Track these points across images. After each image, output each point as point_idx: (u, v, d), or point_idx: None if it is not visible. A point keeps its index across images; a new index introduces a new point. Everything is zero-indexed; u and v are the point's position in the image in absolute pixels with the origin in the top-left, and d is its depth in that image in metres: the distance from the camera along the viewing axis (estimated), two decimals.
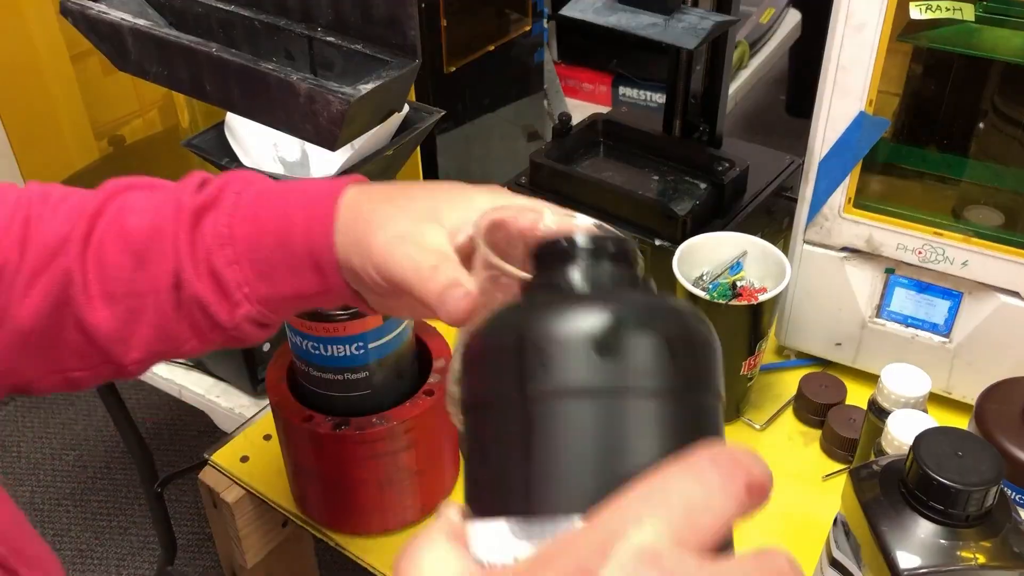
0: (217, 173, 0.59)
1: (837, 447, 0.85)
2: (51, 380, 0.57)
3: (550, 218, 0.44)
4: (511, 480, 0.30)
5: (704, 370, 0.32)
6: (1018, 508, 0.56)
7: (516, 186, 1.02)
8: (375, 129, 0.64)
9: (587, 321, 0.30)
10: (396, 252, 0.46)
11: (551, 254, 0.35)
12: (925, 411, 0.73)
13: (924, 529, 0.54)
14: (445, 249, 0.46)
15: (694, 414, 0.31)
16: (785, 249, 0.88)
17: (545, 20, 1.42)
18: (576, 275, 0.34)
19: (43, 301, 0.54)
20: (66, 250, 0.54)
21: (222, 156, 0.72)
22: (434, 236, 0.47)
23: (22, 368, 0.56)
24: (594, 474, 0.29)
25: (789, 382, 0.92)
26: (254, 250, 0.53)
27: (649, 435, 0.30)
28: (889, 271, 0.86)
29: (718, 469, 0.28)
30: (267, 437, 0.89)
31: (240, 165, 0.71)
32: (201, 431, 1.71)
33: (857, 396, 0.87)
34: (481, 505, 0.31)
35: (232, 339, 0.55)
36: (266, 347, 0.98)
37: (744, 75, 1.66)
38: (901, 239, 0.82)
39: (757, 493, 0.28)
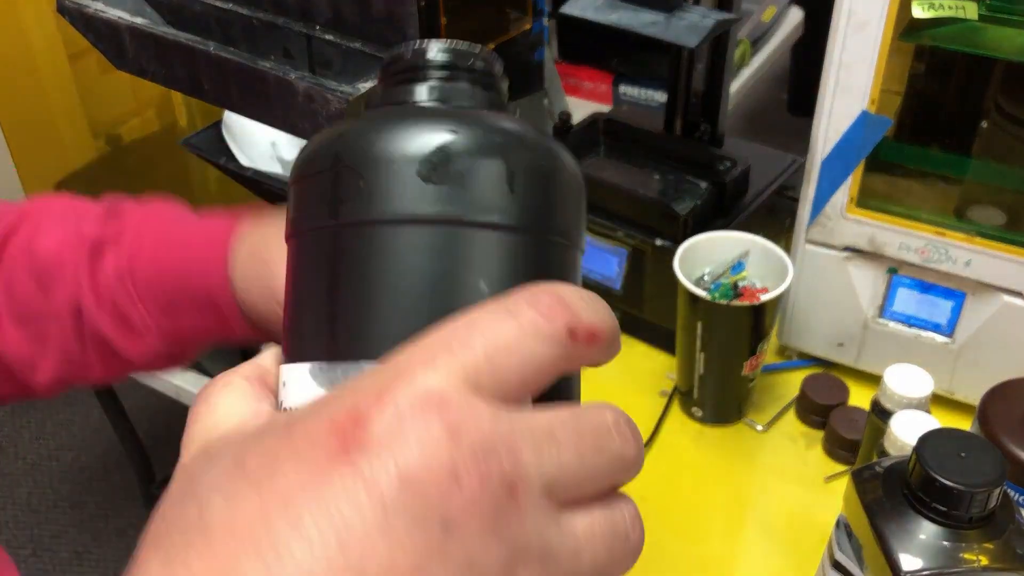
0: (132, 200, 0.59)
1: (839, 448, 0.84)
2: None
3: None
4: (317, 320, 0.27)
5: (551, 207, 0.28)
6: (1021, 510, 0.56)
7: None
8: None
9: (415, 140, 0.26)
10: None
11: (396, 66, 0.30)
12: (928, 412, 0.72)
13: (927, 531, 0.53)
14: None
15: (532, 255, 0.27)
16: (787, 249, 0.88)
17: (546, 18, 1.41)
18: (421, 91, 0.29)
19: None
20: None
21: (219, 155, 0.71)
22: None
23: None
24: (404, 315, 0.25)
25: (791, 383, 0.92)
26: (155, 288, 0.53)
27: (472, 273, 0.26)
28: (892, 271, 0.85)
29: (535, 308, 0.24)
30: None
31: (238, 164, 0.70)
32: None
33: (859, 397, 0.86)
34: (290, 347, 0.28)
35: (136, 369, 0.55)
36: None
37: (746, 74, 1.65)
38: (904, 239, 0.82)
39: (586, 339, 0.25)
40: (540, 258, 0.28)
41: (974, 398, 0.79)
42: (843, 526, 0.60)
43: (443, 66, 0.29)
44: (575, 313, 0.25)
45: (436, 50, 0.29)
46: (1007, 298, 0.80)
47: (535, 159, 0.28)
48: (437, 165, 0.26)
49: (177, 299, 0.53)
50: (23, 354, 0.54)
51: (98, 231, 0.54)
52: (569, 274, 0.29)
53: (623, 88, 1.61)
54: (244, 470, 0.23)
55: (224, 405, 0.28)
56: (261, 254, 0.49)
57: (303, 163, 0.28)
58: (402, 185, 0.25)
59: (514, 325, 0.23)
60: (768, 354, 0.90)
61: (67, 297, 0.53)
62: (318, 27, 0.67)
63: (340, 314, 0.26)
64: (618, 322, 0.27)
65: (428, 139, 0.26)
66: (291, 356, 0.28)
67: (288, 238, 0.29)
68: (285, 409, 0.27)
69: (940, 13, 0.72)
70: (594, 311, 0.25)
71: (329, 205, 0.26)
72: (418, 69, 0.29)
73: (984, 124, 0.82)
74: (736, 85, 1.61)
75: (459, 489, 0.21)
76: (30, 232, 0.55)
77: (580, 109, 1.48)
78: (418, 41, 0.29)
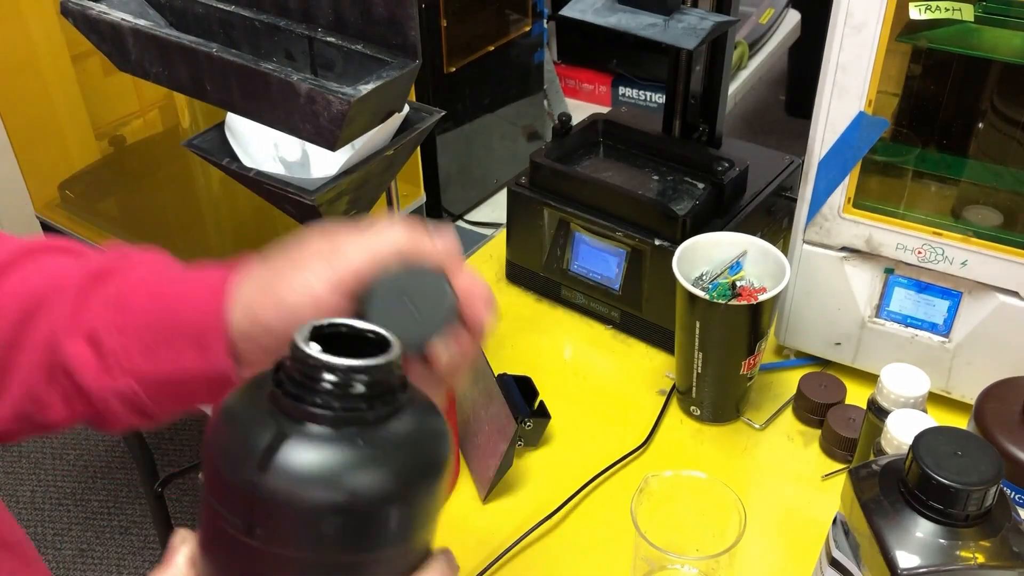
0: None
1: (836, 447, 0.85)
2: None
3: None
4: None
5: (356, 537, 0.35)
6: (1017, 508, 0.56)
7: (516, 186, 1.02)
8: (375, 129, 0.64)
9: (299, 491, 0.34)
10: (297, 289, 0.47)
11: (300, 367, 0.36)
12: (924, 411, 0.73)
13: (923, 529, 0.54)
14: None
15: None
16: (785, 249, 0.88)
17: (545, 20, 1.42)
18: (316, 407, 0.36)
19: None
20: None
21: (222, 156, 0.72)
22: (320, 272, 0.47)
23: None
24: None
25: (788, 382, 0.92)
26: (142, 321, 0.51)
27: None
28: (888, 271, 0.86)
29: None
30: None
31: (241, 164, 0.71)
32: (202, 431, 1.71)
33: (856, 396, 0.87)
34: None
35: (97, 413, 0.53)
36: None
37: (744, 75, 1.66)
38: (900, 239, 0.82)
39: None
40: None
41: (970, 397, 0.80)
42: (840, 524, 0.60)
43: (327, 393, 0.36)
44: None
45: (327, 380, 0.36)
46: (1003, 298, 0.81)
47: (355, 492, 0.35)
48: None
49: (162, 335, 0.51)
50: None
51: (97, 264, 0.53)
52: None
53: (622, 89, 1.62)
54: None
55: None
56: (258, 321, 0.49)
57: (212, 457, 0.37)
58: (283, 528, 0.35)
59: None
60: (766, 353, 0.90)
61: (46, 328, 0.52)
62: (320, 29, 0.67)
63: None
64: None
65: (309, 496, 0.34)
66: None
67: (208, 493, 0.37)
68: None
69: (937, 15, 0.72)
70: None
71: (242, 521, 0.35)
72: (304, 390, 0.36)
73: (980, 125, 0.83)
74: (734, 87, 1.61)
75: None
76: (25, 270, 0.54)
77: (579, 110, 1.48)
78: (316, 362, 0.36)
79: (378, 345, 0.38)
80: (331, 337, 0.38)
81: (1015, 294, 0.80)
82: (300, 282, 0.46)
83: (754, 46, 1.72)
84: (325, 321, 0.39)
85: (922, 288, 0.85)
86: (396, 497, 0.35)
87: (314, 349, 0.36)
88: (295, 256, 0.49)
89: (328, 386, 0.35)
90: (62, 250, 0.56)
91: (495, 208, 1.34)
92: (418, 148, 0.95)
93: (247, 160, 0.72)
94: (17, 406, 0.53)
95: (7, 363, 0.52)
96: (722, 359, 0.84)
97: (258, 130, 0.72)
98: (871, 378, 0.82)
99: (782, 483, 0.84)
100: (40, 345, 0.52)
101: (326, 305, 0.46)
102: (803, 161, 0.84)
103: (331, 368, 0.35)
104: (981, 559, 0.53)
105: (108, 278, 0.52)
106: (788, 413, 0.90)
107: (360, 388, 0.36)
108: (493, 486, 0.82)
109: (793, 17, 1.87)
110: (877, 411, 0.75)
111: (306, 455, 0.34)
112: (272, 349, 0.47)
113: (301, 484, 0.34)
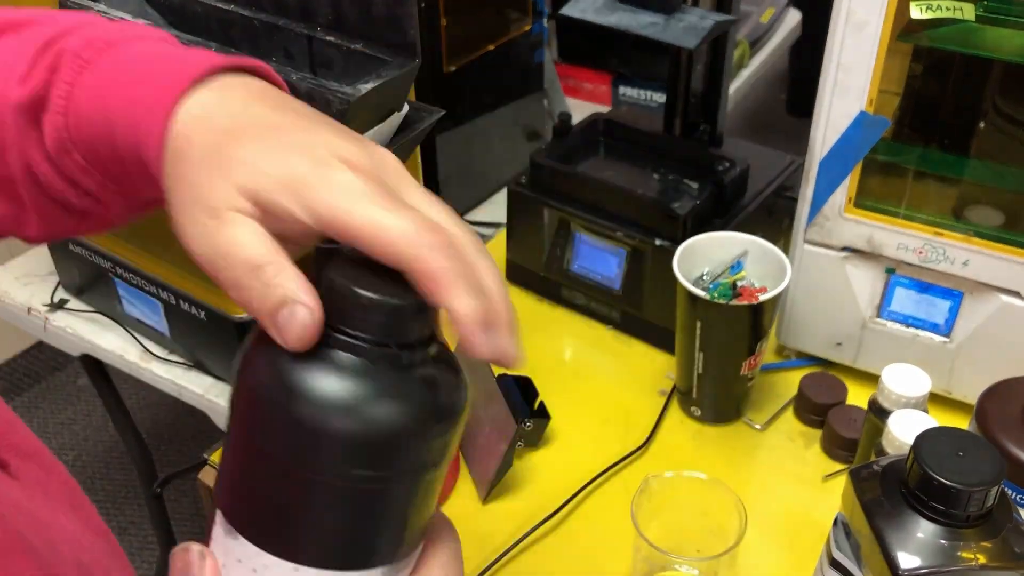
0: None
1: (837, 447, 0.84)
2: None
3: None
4: (319, 533, 0.36)
5: (389, 458, 0.36)
6: (1019, 508, 0.56)
7: (516, 186, 1.02)
8: (375, 128, 0.64)
9: (334, 423, 0.34)
10: (192, 231, 0.37)
11: (331, 297, 0.35)
12: (926, 411, 0.73)
13: (925, 529, 0.54)
14: (267, 244, 0.36)
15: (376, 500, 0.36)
16: (786, 249, 0.88)
17: (545, 19, 1.42)
18: (349, 338, 0.35)
19: None
20: None
21: None
22: (246, 223, 0.36)
23: None
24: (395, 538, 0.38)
25: (789, 382, 0.92)
26: (93, 151, 0.44)
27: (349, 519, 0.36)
28: (890, 271, 0.86)
29: None
30: None
31: None
32: (201, 431, 1.71)
33: (858, 396, 0.87)
34: (267, 539, 0.36)
35: (120, 223, 0.48)
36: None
37: (744, 74, 1.66)
38: (902, 239, 0.82)
39: None
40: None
41: (972, 397, 0.80)
42: (841, 525, 0.60)
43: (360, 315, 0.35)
44: None
45: (359, 300, 0.35)
46: (1004, 298, 0.80)
47: (380, 421, 0.35)
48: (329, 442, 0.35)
49: (116, 164, 0.43)
50: (7, 214, 0.48)
51: (28, 91, 0.44)
52: (421, 500, 0.38)
53: (622, 89, 1.62)
54: None
55: None
56: (194, 159, 0.38)
57: (248, 396, 0.37)
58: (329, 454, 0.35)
59: None
60: (767, 353, 0.90)
61: (18, 162, 0.46)
62: (319, 28, 0.67)
63: (351, 537, 0.37)
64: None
65: (343, 424, 0.35)
66: (273, 549, 0.36)
67: (243, 442, 0.37)
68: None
69: (938, 14, 0.72)
70: None
71: (286, 453, 0.35)
72: (341, 314, 0.36)
73: (982, 124, 0.83)
74: (735, 86, 1.61)
75: None
76: None
77: (580, 110, 1.48)
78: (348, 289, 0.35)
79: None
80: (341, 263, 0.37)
81: (1016, 294, 0.80)
82: (200, 235, 0.37)
83: (755, 45, 1.72)
84: (340, 247, 0.37)
85: (923, 288, 0.85)
86: (411, 431, 0.36)
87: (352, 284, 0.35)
88: (300, 124, 0.39)
89: (366, 320, 0.35)
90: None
91: (495, 208, 1.34)
92: (418, 148, 0.95)
93: None
94: (43, 225, 0.48)
95: (15, 194, 0.47)
96: (723, 359, 0.84)
97: None
98: (872, 378, 0.81)
99: (783, 484, 0.84)
100: (27, 181, 0.46)
101: (244, 273, 0.37)
102: (804, 161, 0.83)
103: (371, 302, 0.35)
104: (982, 560, 0.53)
105: (40, 114, 0.44)
106: (789, 413, 0.90)
107: (394, 327, 0.35)
108: (493, 487, 0.82)
109: (794, 16, 1.87)
110: (878, 411, 0.75)
111: (337, 382, 0.35)
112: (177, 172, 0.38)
113: (329, 409, 0.34)
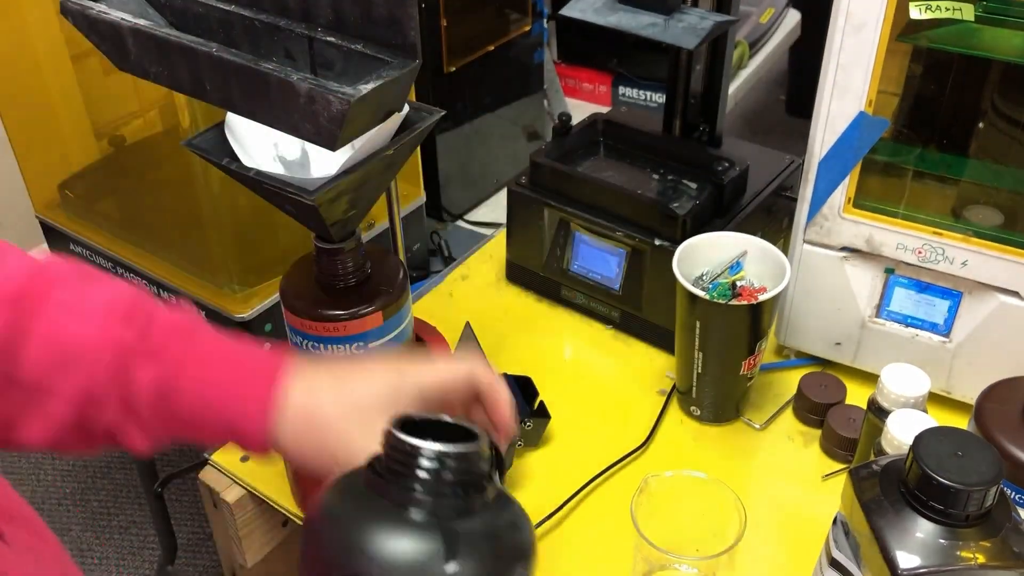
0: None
1: (837, 447, 0.85)
2: None
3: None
4: None
5: None
6: (1018, 508, 0.56)
7: (516, 186, 1.02)
8: (375, 129, 0.64)
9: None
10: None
11: (397, 455, 0.39)
12: (925, 411, 0.73)
13: (924, 529, 0.54)
14: None
15: None
16: (785, 249, 0.88)
17: (545, 20, 1.42)
18: (414, 493, 0.38)
19: None
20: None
21: (222, 156, 0.71)
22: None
23: None
24: None
25: (789, 382, 0.92)
26: (189, 411, 0.54)
27: None
28: (889, 271, 0.86)
29: None
30: None
31: (241, 164, 0.70)
32: None
33: (857, 396, 0.87)
34: None
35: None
36: (267, 346, 0.98)
37: (744, 75, 1.66)
38: (901, 239, 0.82)
39: None
40: None
41: (971, 397, 0.80)
42: (840, 524, 0.60)
43: (430, 476, 0.39)
44: None
45: (427, 461, 0.39)
46: (1003, 298, 0.81)
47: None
48: None
49: (204, 422, 0.54)
50: (9, 414, 0.53)
51: (131, 337, 0.53)
52: None
53: (622, 89, 1.62)
54: None
55: None
56: (314, 416, 0.53)
57: (317, 544, 0.38)
58: None
59: None
60: (766, 353, 0.90)
61: (80, 384, 0.52)
62: (319, 29, 0.67)
63: None
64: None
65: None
66: None
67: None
68: None
69: (937, 14, 0.72)
70: None
71: None
72: (408, 473, 0.39)
73: (981, 125, 0.83)
74: (734, 86, 1.61)
75: None
76: (54, 308, 0.53)
77: (579, 110, 1.48)
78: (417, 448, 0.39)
79: (462, 437, 0.41)
80: (416, 431, 0.40)
81: (1015, 294, 0.80)
82: (368, 381, 0.53)
83: (754, 46, 1.72)
84: (413, 415, 0.42)
85: (922, 288, 0.85)
86: None
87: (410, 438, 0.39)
88: (360, 364, 0.56)
89: (425, 472, 0.38)
90: (75, 289, 0.55)
91: (495, 208, 1.34)
92: (418, 148, 0.95)
93: (247, 160, 0.71)
94: (47, 438, 0.54)
95: (40, 403, 0.52)
96: (722, 359, 0.84)
97: (258, 130, 0.72)
98: (871, 378, 0.82)
99: (782, 483, 0.84)
100: (74, 401, 0.53)
101: (391, 406, 0.51)
102: (803, 161, 0.84)
103: (429, 454, 0.38)
104: (981, 559, 0.53)
105: (142, 359, 0.53)
106: (788, 413, 0.90)
107: (453, 475, 0.38)
108: None
109: (793, 17, 1.87)
110: (877, 411, 0.75)
111: (409, 543, 0.37)
112: (317, 440, 0.53)
113: (406, 571, 0.36)
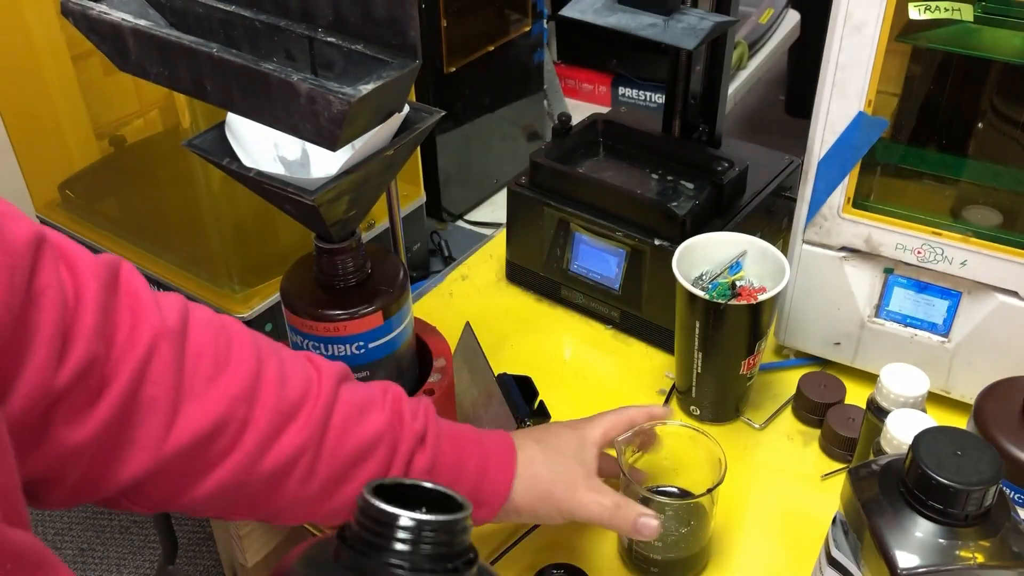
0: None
1: (836, 446, 0.85)
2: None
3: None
4: None
5: None
6: (1017, 508, 0.56)
7: (516, 186, 1.02)
8: (376, 129, 0.64)
9: None
10: (586, 503, 0.66)
11: (371, 524, 0.36)
12: (924, 410, 0.73)
13: (923, 528, 0.54)
14: (614, 493, 0.67)
15: None
16: (784, 249, 0.88)
17: (545, 20, 1.42)
18: (390, 568, 0.36)
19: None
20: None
21: (222, 156, 0.72)
22: (599, 483, 0.68)
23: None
24: None
25: (788, 381, 0.92)
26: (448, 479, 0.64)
27: None
28: (888, 271, 0.86)
29: None
30: None
31: (241, 164, 0.71)
32: None
33: (856, 395, 0.87)
34: None
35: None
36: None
37: (743, 75, 1.66)
38: (900, 239, 0.82)
39: None
40: None
41: (970, 397, 0.80)
42: (840, 524, 0.60)
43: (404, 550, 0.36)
44: None
45: (402, 539, 0.36)
46: (1002, 298, 0.81)
47: None
48: None
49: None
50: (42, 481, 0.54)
51: (415, 429, 0.63)
52: None
53: (622, 89, 1.62)
54: None
55: None
56: (544, 475, 0.67)
57: None
58: None
59: None
60: (765, 353, 0.90)
61: (373, 472, 0.61)
62: (320, 29, 0.67)
63: None
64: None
65: None
66: None
67: None
68: None
69: (936, 15, 0.72)
70: None
71: None
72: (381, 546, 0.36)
73: (980, 125, 0.83)
74: (734, 86, 1.61)
75: None
76: (345, 410, 0.60)
77: (579, 110, 1.48)
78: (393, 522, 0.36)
79: (447, 507, 0.38)
80: (397, 499, 0.38)
81: (1014, 294, 0.80)
82: (591, 501, 0.66)
83: (754, 46, 1.72)
84: (385, 481, 0.38)
85: (922, 288, 0.85)
86: None
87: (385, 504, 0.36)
88: (548, 430, 0.72)
89: (401, 544, 0.35)
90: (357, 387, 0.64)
91: (495, 208, 1.34)
92: (418, 148, 0.96)
93: (247, 160, 0.72)
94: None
95: (331, 493, 0.60)
96: (722, 359, 0.84)
97: (258, 130, 0.72)
98: (871, 378, 0.82)
99: (781, 483, 0.84)
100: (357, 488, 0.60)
101: (579, 458, 0.68)
102: (803, 161, 0.84)
103: (408, 523, 0.35)
104: (981, 559, 0.53)
105: (423, 443, 0.63)
106: (788, 413, 0.91)
107: (430, 547, 0.36)
108: None
109: (793, 17, 1.87)
110: (877, 411, 0.75)
111: None
112: (543, 497, 0.66)
113: None
